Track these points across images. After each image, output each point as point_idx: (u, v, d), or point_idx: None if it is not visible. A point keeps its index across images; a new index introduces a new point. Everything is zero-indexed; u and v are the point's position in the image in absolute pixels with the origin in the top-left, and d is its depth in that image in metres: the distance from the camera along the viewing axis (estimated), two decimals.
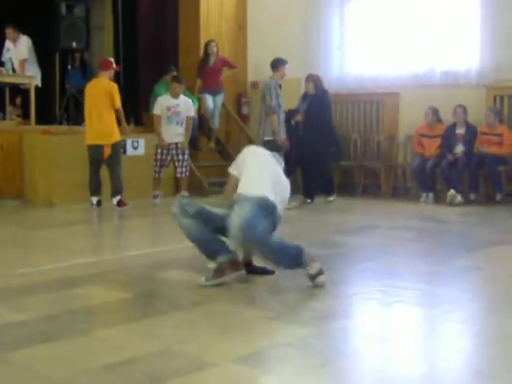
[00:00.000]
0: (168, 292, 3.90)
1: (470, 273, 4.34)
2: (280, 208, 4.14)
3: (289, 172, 7.37)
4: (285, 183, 4.34)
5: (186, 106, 8.56)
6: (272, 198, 4.04)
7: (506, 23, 8.57)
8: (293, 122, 8.46)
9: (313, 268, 3.79)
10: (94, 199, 7.82)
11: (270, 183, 4.15)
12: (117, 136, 7.89)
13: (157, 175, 8.58)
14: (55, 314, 3.30)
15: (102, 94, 7.87)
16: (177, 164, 8.55)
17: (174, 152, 8.47)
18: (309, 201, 8.32)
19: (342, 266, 4.70)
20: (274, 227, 4.06)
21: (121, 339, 2.88)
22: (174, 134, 8.43)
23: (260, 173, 4.24)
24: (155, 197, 8.57)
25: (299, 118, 8.48)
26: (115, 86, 7.99)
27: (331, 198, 8.57)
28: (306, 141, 8.30)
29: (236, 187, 4.19)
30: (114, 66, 8.27)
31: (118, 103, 7.91)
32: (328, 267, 4.29)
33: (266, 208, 3.98)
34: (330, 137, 8.72)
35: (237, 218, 3.72)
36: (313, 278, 3.77)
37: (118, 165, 7.95)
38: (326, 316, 3.32)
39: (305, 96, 8.71)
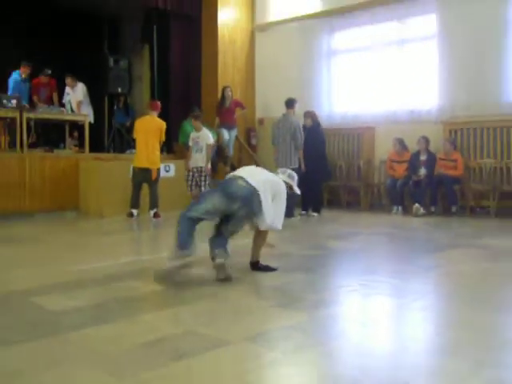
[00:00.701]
0: (192, 285, 3.90)
1: (431, 270, 4.34)
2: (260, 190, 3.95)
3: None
4: (275, 181, 4.17)
5: (204, 136, 8.54)
6: (251, 181, 3.94)
7: (459, 72, 8.60)
8: None
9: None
10: (135, 211, 7.86)
11: (258, 176, 4.09)
12: (160, 162, 8.11)
13: (188, 192, 8.70)
14: (104, 302, 3.31)
15: (156, 129, 8.07)
16: (198, 183, 8.62)
17: (196, 175, 8.52)
18: (304, 213, 8.32)
19: (332, 264, 4.70)
20: (227, 198, 3.89)
21: (156, 322, 2.89)
22: (195, 159, 8.46)
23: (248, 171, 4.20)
24: None
25: None
26: (165, 125, 8.20)
27: (315, 214, 8.36)
28: (304, 163, 8.22)
29: None
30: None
31: (164, 138, 8.20)
32: (321, 265, 4.30)
33: (228, 187, 3.97)
34: (322, 161, 8.66)
35: None
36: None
37: (157, 184, 8.07)
38: (319, 304, 3.31)
39: (304, 128, 8.55)
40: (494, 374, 2.17)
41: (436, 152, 8.63)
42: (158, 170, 8.06)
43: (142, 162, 7.93)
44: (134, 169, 8.01)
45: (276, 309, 3.18)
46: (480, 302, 3.29)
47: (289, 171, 4.45)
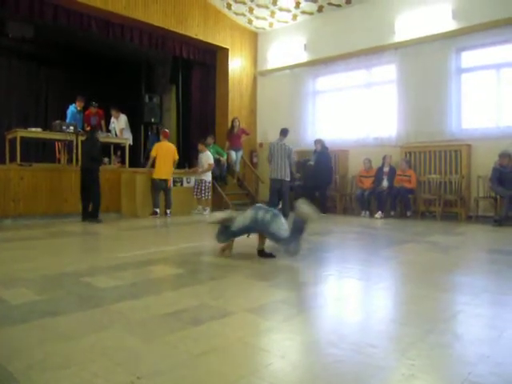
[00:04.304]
0: (206, 269, 3.88)
1: (390, 259, 4.31)
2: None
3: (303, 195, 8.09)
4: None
5: (204, 157, 9.08)
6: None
7: (412, 108, 8.67)
8: (309, 164, 9.11)
9: None
10: (157, 210, 8.27)
11: None
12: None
13: (195, 197, 9.11)
14: (138, 282, 3.29)
15: (171, 152, 8.56)
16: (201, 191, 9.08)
17: (203, 184, 9.00)
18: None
19: (315, 254, 4.67)
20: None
21: (176, 297, 2.86)
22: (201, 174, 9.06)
23: None
24: (196, 209, 9.12)
25: (310, 163, 9.01)
26: (175, 148, 8.80)
27: (323, 214, 8.52)
28: (316, 177, 8.83)
29: None
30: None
31: (177, 157, 8.68)
32: (307, 255, 4.27)
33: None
34: (330, 174, 9.18)
35: None
36: None
37: (171, 191, 8.56)
38: (304, 284, 3.29)
39: (314, 152, 9.15)
40: (438, 339, 2.14)
41: (395, 168, 8.64)
42: (171, 180, 8.60)
43: (162, 175, 8.37)
44: (155, 180, 8.34)
45: (272, 288, 3.15)
46: (429, 283, 3.26)
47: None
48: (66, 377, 1.72)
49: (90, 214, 7.30)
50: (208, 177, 9.02)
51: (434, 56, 8.38)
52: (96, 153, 7.45)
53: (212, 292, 3.01)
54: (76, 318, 2.44)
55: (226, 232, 4.16)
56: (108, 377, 1.72)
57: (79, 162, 7.65)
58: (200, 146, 9.13)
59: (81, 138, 8.28)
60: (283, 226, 3.96)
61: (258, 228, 4.03)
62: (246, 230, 4.10)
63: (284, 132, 8.24)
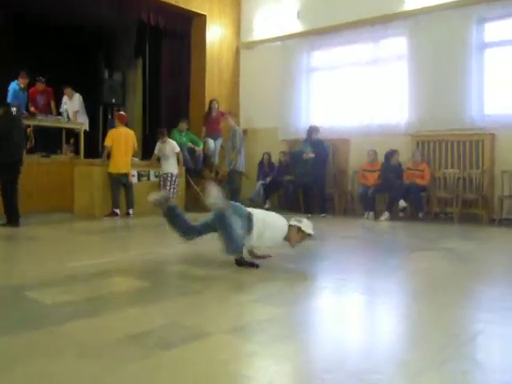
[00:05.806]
0: (175, 281, 3.87)
1: (398, 270, 4.35)
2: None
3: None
4: None
5: (169, 147, 8.98)
6: None
7: (426, 89, 8.73)
8: (305, 157, 8.87)
9: None
10: (118, 210, 8.20)
11: None
12: None
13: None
14: (94, 297, 3.26)
15: (130, 140, 8.54)
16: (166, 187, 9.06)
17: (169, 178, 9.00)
18: (310, 216, 8.28)
19: (308, 262, 4.68)
20: None
21: (141, 316, 2.84)
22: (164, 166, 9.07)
23: None
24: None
25: (310, 155, 8.86)
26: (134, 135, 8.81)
27: (323, 215, 8.73)
28: (314, 172, 8.82)
29: None
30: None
31: (136, 146, 8.75)
32: (299, 264, 4.28)
33: None
34: (325, 170, 9.26)
35: None
36: None
37: (132, 187, 8.52)
38: (295, 300, 3.29)
39: (305, 141, 9.13)
40: (454, 365, 2.15)
41: (404, 162, 8.68)
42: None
43: (120, 168, 8.31)
44: (112, 174, 8.26)
45: (256, 303, 3.14)
46: (444, 299, 3.29)
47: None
48: None
49: (13, 218, 6.74)
50: (175, 169, 8.96)
51: (452, 27, 8.44)
52: (24, 139, 7.33)
53: (184, 309, 3.00)
54: (17, 340, 2.40)
55: None
56: None
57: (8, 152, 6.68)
58: (163, 138, 8.97)
59: (25, 122, 8.11)
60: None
61: None
62: None
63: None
